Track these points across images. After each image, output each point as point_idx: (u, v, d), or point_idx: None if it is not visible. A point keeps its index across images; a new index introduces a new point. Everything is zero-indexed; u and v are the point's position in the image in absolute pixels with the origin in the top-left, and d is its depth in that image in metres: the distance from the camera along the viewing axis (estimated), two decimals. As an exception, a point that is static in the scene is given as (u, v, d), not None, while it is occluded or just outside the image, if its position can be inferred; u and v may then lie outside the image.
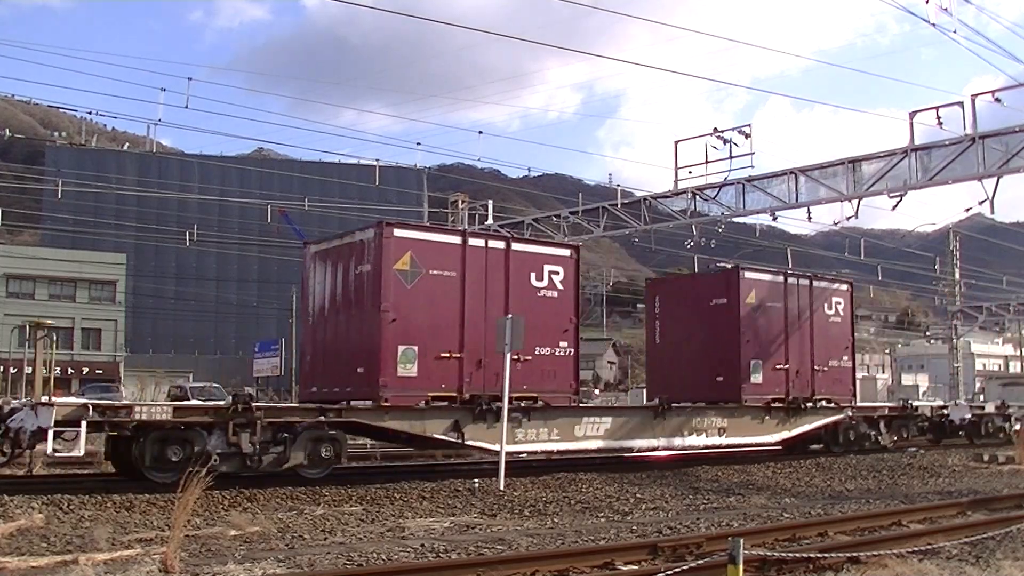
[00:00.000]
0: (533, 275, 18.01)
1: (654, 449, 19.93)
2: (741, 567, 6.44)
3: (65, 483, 14.03)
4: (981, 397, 40.38)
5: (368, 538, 10.38)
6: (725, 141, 23.34)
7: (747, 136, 23.19)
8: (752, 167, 23.29)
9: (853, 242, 43.71)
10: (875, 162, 21.58)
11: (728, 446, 21.14)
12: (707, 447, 20.50)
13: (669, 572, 7.41)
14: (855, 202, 21.96)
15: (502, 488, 14.88)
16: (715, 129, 23.50)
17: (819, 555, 8.37)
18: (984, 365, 74.61)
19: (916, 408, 26.03)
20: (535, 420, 17.37)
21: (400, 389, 15.86)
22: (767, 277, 22.37)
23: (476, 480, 15.24)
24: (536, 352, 17.57)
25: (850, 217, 22.41)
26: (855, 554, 8.74)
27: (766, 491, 15.86)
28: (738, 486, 16.52)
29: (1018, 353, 67.78)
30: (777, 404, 21.73)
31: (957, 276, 48.74)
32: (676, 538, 9.79)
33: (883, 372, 67.88)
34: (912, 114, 20.72)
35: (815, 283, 23.06)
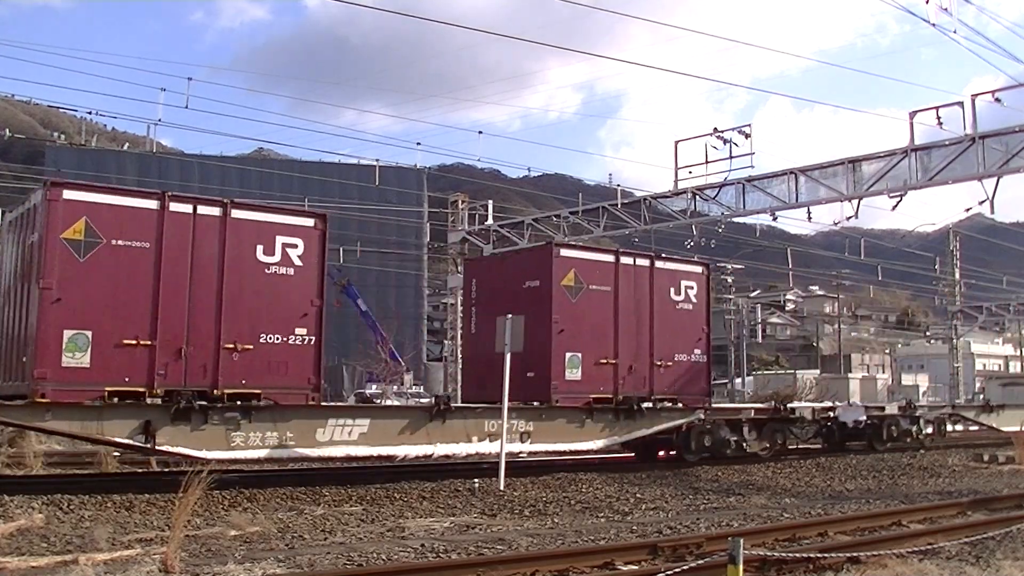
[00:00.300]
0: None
1: (428, 457, 16.77)
2: (741, 567, 6.44)
3: (65, 483, 14.02)
4: (981, 396, 40.29)
5: (368, 538, 10.38)
6: (725, 141, 23.33)
7: (747, 136, 23.18)
8: (752, 167, 23.28)
9: (853, 242, 43.74)
10: (875, 162, 21.57)
11: (533, 453, 18.43)
12: (506, 455, 15.87)
13: (669, 572, 7.41)
14: (855, 202, 21.94)
15: (502, 488, 14.88)
16: (715, 129, 23.48)
17: (819, 555, 8.37)
18: (984, 365, 74.59)
19: (793, 410, 22.92)
20: (256, 422, 14.37)
21: (65, 383, 12.97)
22: (592, 256, 19.12)
23: (476, 480, 15.24)
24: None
25: (850, 217, 22.40)
26: (855, 554, 8.75)
27: (766, 491, 15.87)
28: (738, 486, 16.52)
29: (1018, 353, 67.76)
30: (601, 405, 18.34)
31: (957, 276, 48.73)
32: (676, 538, 9.80)
33: (883, 372, 67.87)
34: (912, 114, 20.72)
35: (657, 264, 19.61)
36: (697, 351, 19.94)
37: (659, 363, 19.19)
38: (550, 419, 17.72)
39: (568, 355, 17.69)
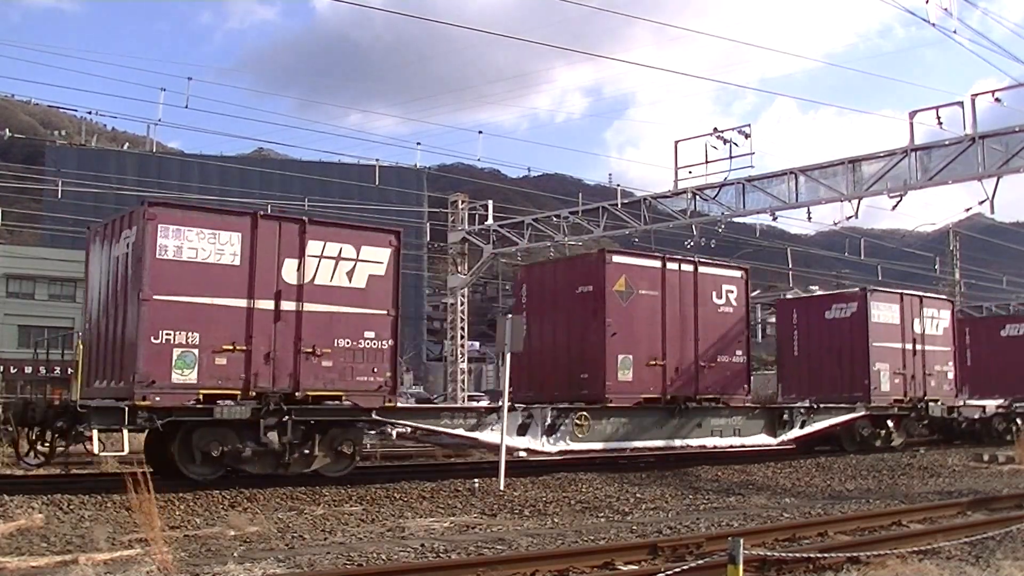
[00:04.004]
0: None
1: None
2: (741, 567, 6.43)
3: (65, 483, 14.03)
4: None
5: (368, 538, 10.38)
6: (725, 141, 23.33)
7: (747, 136, 23.18)
8: (752, 167, 23.29)
9: (853, 242, 43.73)
10: (875, 162, 21.56)
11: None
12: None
13: (669, 572, 7.41)
14: (855, 202, 21.94)
15: (502, 488, 14.89)
16: (715, 129, 23.48)
17: (819, 555, 8.37)
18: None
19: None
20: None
21: None
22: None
23: (476, 480, 15.25)
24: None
25: (850, 217, 22.38)
26: (855, 554, 8.75)
27: (766, 491, 15.86)
28: (738, 486, 16.52)
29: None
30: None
31: (957, 276, 48.71)
32: (676, 538, 9.80)
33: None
34: (912, 114, 20.71)
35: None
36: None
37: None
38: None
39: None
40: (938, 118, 20.05)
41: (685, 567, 7.63)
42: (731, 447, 21.06)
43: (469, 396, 33.25)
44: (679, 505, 13.77)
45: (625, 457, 20.90)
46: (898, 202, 21.62)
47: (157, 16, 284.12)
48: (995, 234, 53.17)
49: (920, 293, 27.70)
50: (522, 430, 17.46)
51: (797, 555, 8.30)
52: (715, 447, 20.56)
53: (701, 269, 20.58)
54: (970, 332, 30.87)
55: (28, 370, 55.77)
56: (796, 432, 21.78)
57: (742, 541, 6.64)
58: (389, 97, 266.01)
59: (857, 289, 25.37)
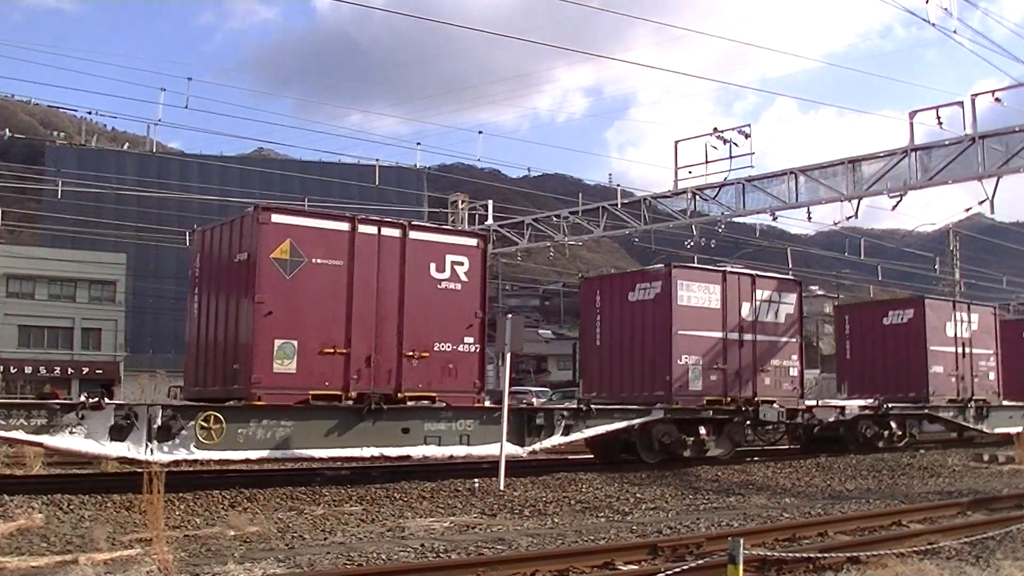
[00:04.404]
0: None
1: None
2: (741, 567, 6.44)
3: (65, 483, 14.02)
4: None
5: (368, 538, 10.38)
6: (725, 141, 23.38)
7: (747, 136, 23.23)
8: (752, 167, 23.34)
9: (853, 242, 43.71)
10: (875, 162, 21.60)
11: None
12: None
13: (669, 572, 7.41)
14: (855, 202, 21.97)
15: (502, 488, 14.88)
16: (715, 129, 23.56)
17: (819, 555, 8.37)
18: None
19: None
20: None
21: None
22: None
23: (476, 480, 15.24)
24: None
25: (850, 217, 22.44)
26: (855, 554, 8.74)
27: (766, 491, 15.86)
28: (738, 486, 16.52)
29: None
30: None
31: (957, 276, 48.69)
32: (676, 538, 9.80)
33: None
34: (912, 114, 20.75)
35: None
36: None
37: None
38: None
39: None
40: (938, 118, 20.09)
41: (685, 567, 7.63)
42: (453, 458, 16.68)
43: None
44: (679, 505, 13.77)
45: (628, 461, 20.87)
46: (898, 202, 21.68)
47: (158, 16, 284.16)
48: (995, 234, 53.14)
49: (764, 274, 22.94)
50: (118, 434, 13.22)
51: (797, 555, 8.30)
52: (428, 457, 16.20)
53: (413, 235, 16.01)
54: (850, 320, 28.04)
55: (28, 370, 55.91)
56: (557, 440, 17.49)
57: (742, 541, 6.64)
58: (389, 97, 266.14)
59: (662, 266, 20.58)
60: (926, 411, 25.61)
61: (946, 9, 18.87)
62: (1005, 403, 27.94)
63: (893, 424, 24.37)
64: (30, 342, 59.89)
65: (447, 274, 16.33)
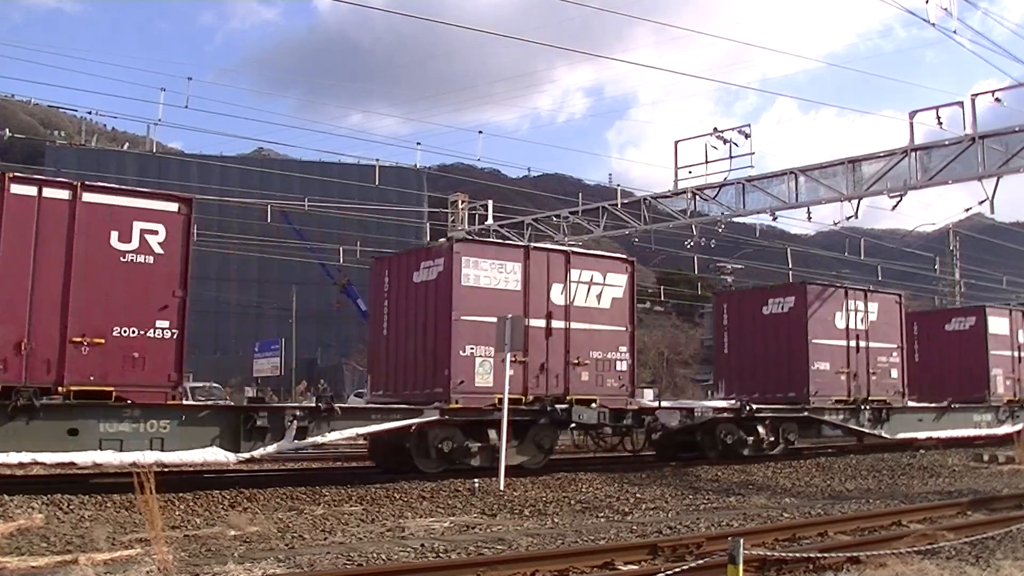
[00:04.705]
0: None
1: None
2: (741, 567, 6.44)
3: (65, 483, 14.02)
4: None
5: (368, 538, 10.39)
6: (725, 141, 23.37)
7: (747, 136, 23.23)
8: (752, 167, 23.33)
9: (853, 242, 43.68)
10: (875, 162, 21.59)
11: None
12: None
13: (669, 572, 7.41)
14: (855, 202, 21.96)
15: (502, 488, 14.88)
16: (715, 129, 23.54)
17: (819, 555, 8.37)
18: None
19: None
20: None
21: None
22: None
23: (476, 480, 15.24)
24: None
25: (850, 217, 22.42)
26: (855, 554, 8.75)
27: (766, 491, 15.87)
28: (738, 486, 16.52)
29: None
30: None
31: (957, 276, 48.69)
32: (676, 538, 9.80)
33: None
34: (912, 114, 20.75)
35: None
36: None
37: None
38: None
39: None
40: (938, 118, 20.09)
41: (685, 567, 7.63)
42: (136, 466, 12.51)
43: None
44: (679, 505, 13.77)
45: (627, 458, 20.89)
46: (898, 202, 21.67)
47: (159, 16, 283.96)
48: (995, 234, 53.11)
49: (584, 251, 20.04)
50: None
51: (797, 555, 8.30)
52: (101, 465, 13.68)
53: (88, 197, 13.49)
54: (728, 310, 24.75)
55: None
56: (287, 444, 14.90)
57: (742, 541, 6.65)
58: (390, 97, 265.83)
59: (445, 240, 17.71)
60: (806, 413, 22.20)
61: (946, 9, 18.87)
62: (911, 404, 24.79)
63: (761, 429, 21.20)
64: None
65: (134, 245, 13.72)
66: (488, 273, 17.08)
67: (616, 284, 18.77)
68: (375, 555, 9.08)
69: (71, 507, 12.03)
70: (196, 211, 14.68)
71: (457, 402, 16.37)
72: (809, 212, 23.63)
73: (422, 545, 9.77)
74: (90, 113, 29.18)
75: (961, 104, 19.99)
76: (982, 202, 20.48)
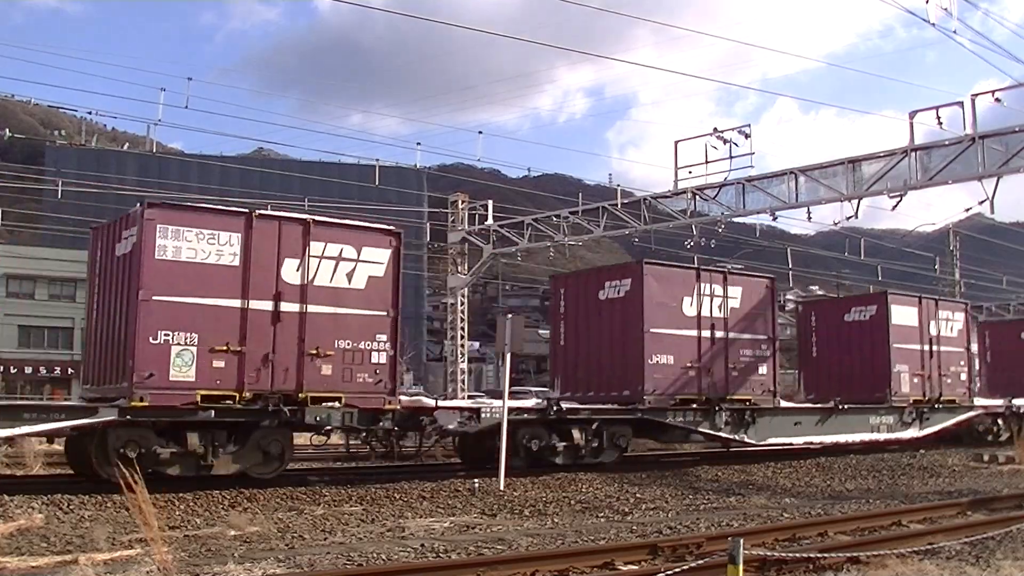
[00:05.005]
0: None
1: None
2: (741, 567, 6.44)
3: (65, 483, 14.02)
4: None
5: (368, 538, 10.38)
6: (725, 141, 23.37)
7: (747, 136, 23.22)
8: (752, 167, 23.33)
9: (853, 242, 43.71)
10: (875, 162, 21.58)
11: None
12: None
13: (669, 572, 7.41)
14: (855, 202, 21.95)
15: (502, 488, 14.88)
16: (715, 129, 23.53)
17: (819, 555, 8.37)
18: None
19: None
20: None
21: None
22: None
23: (476, 480, 15.23)
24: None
25: (850, 217, 22.41)
26: (855, 554, 8.75)
27: (766, 491, 15.87)
28: (738, 486, 16.52)
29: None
30: None
31: (957, 276, 48.70)
32: (676, 538, 9.80)
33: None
34: (912, 114, 20.74)
35: None
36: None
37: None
38: None
39: None
40: (938, 118, 20.08)
41: (685, 567, 7.63)
42: None
43: (469, 396, 33.24)
44: (679, 505, 13.77)
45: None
46: (898, 202, 21.67)
47: (160, 17, 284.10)
48: (995, 234, 53.14)
49: (327, 219, 16.22)
50: None
51: (797, 555, 8.30)
52: None
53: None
54: (566, 295, 21.09)
55: (28, 370, 55.92)
56: None
57: (742, 541, 6.64)
58: (389, 97, 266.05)
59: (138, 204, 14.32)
60: (639, 415, 18.77)
61: (946, 9, 18.88)
62: (785, 405, 21.79)
63: (577, 433, 18.02)
64: (30, 342, 59.90)
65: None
66: (194, 245, 14.18)
67: (375, 260, 15.73)
68: (375, 555, 9.08)
69: (71, 507, 12.03)
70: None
71: (143, 399, 13.51)
72: (809, 212, 23.63)
73: (422, 545, 9.77)
74: (90, 113, 29.31)
75: (961, 104, 20.00)
76: (982, 202, 20.48)
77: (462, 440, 18.77)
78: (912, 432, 24.38)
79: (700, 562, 8.07)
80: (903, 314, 25.02)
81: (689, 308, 19.89)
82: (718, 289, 20.45)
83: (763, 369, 21.06)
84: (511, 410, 16.76)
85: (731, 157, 23.38)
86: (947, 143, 20.35)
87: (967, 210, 23.01)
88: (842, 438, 22.52)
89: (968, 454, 23.02)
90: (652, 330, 19.10)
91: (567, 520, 12.09)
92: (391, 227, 16.50)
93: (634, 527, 11.31)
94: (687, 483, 16.81)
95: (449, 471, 17.89)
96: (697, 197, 24.61)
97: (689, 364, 19.65)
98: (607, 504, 13.66)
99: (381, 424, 15.90)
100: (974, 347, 28.81)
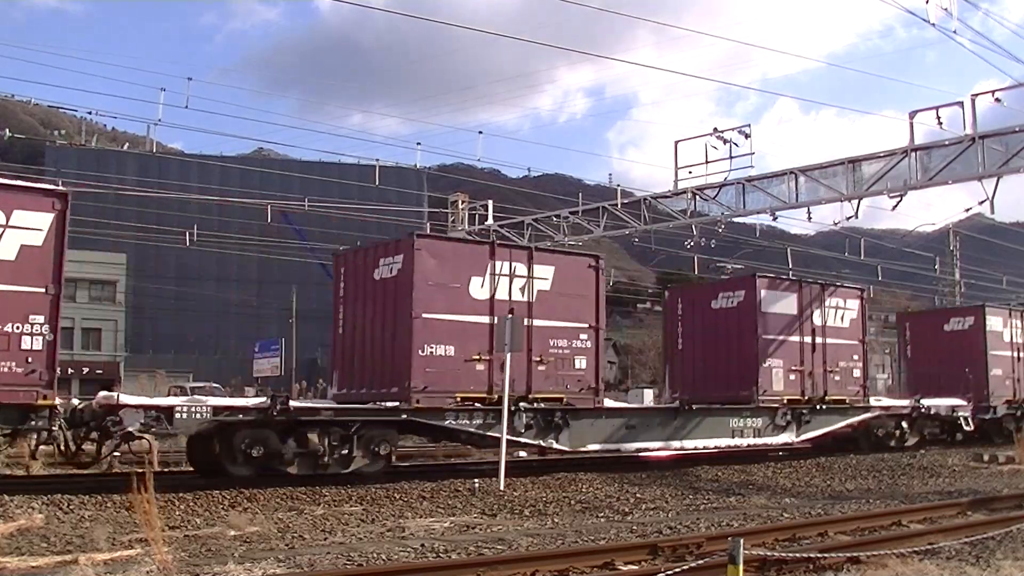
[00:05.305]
0: None
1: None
2: (741, 567, 6.44)
3: (65, 483, 14.02)
4: None
5: (368, 538, 10.38)
6: (725, 141, 23.38)
7: (747, 136, 23.24)
8: (752, 167, 23.34)
9: (853, 242, 43.69)
10: (875, 162, 21.61)
11: None
12: None
13: (669, 572, 7.41)
14: (855, 202, 21.97)
15: (502, 488, 14.88)
16: (715, 129, 23.56)
17: (819, 555, 8.37)
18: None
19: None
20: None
21: None
22: None
23: (476, 480, 15.23)
24: None
25: (850, 217, 22.44)
26: (855, 554, 8.75)
27: (766, 491, 15.87)
28: (738, 486, 16.52)
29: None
30: None
31: (957, 276, 48.69)
32: (676, 538, 9.80)
33: (883, 372, 67.76)
34: (912, 114, 20.76)
35: None
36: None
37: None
38: None
39: None
40: (938, 118, 20.10)
41: (685, 567, 7.63)
42: None
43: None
44: (679, 505, 13.77)
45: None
46: (898, 202, 21.70)
47: (160, 17, 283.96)
48: (995, 234, 53.12)
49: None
50: None
51: (797, 555, 8.30)
52: None
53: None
54: (345, 275, 18.06)
55: (28, 370, 55.90)
56: None
57: (742, 541, 6.64)
58: (389, 97, 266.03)
59: None
60: (403, 416, 15.75)
61: (946, 9, 18.89)
62: (611, 405, 19.16)
63: (314, 437, 15.09)
64: (30, 342, 59.78)
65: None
66: None
67: (30, 226, 12.91)
68: (375, 555, 9.08)
69: (71, 507, 12.03)
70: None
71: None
72: (809, 212, 23.65)
73: (422, 545, 9.77)
74: (90, 113, 29.18)
75: (961, 104, 20.02)
76: (982, 202, 20.51)
77: (190, 444, 16.23)
78: (786, 437, 21.54)
79: (700, 562, 8.07)
80: (777, 300, 21.82)
81: (479, 290, 16.75)
82: (520, 268, 17.20)
83: (582, 363, 17.68)
84: (222, 408, 14.48)
85: (731, 157, 23.42)
86: (947, 143, 20.37)
87: (967, 210, 23.05)
88: (692, 444, 19.73)
89: (968, 454, 23.02)
90: (425, 315, 15.98)
91: (567, 520, 12.09)
92: (54, 187, 14.05)
93: (634, 527, 11.31)
94: (687, 483, 16.81)
95: (450, 471, 17.89)
96: (697, 197, 24.62)
97: (477, 356, 16.47)
98: (607, 504, 13.66)
99: (34, 423, 12.84)
100: (911, 341, 27.90)
